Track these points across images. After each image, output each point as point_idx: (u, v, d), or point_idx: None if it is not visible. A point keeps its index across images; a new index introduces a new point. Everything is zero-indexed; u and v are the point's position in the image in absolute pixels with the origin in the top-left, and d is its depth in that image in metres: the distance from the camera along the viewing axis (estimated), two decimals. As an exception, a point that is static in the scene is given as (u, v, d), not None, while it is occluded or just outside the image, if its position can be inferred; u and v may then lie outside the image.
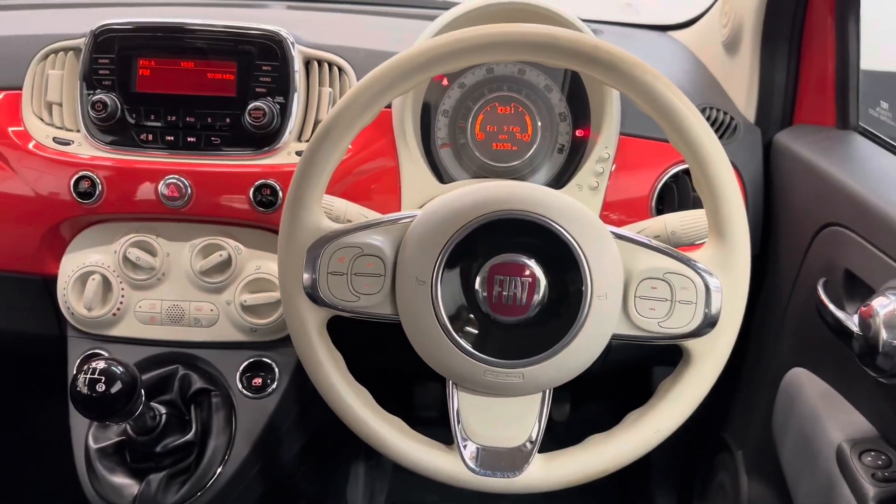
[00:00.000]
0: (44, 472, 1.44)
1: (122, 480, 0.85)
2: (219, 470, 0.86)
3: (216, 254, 0.90)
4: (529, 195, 0.67)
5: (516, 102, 0.96)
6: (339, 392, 0.71)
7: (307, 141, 0.91)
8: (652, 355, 1.05)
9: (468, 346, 0.66)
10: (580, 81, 0.96)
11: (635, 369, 1.36)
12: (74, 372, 0.90)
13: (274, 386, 0.91)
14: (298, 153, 0.90)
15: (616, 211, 0.94)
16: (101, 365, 0.73)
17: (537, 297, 0.65)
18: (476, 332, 0.66)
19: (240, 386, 0.90)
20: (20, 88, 0.92)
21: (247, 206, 0.89)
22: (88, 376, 0.72)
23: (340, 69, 0.92)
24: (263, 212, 0.89)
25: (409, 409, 1.50)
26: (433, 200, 0.71)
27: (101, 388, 0.72)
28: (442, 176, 0.95)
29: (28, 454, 1.50)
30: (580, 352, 0.67)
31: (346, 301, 0.69)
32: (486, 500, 1.43)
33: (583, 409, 1.49)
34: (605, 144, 0.90)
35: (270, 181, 0.88)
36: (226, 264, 0.90)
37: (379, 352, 0.99)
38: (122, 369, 0.74)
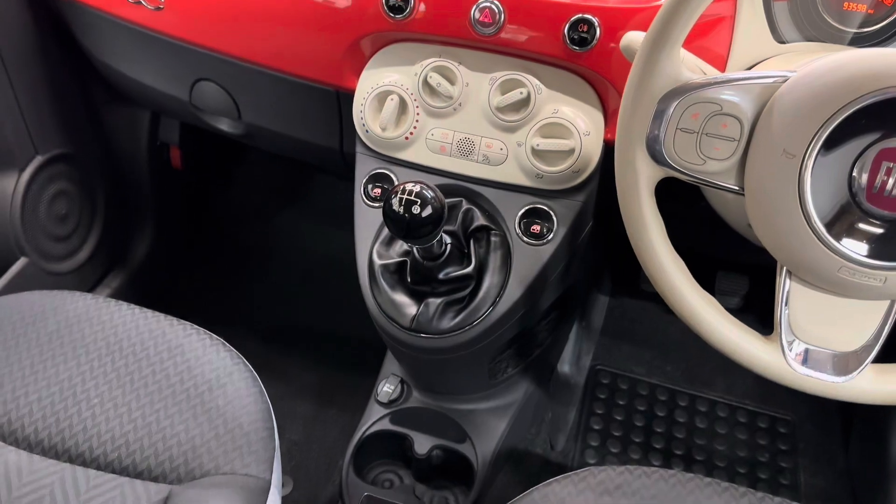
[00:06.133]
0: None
1: (401, 299, 0.88)
2: (491, 307, 0.87)
3: (516, 90, 0.85)
4: None
5: (884, -45, 0.80)
6: (660, 258, 0.66)
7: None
8: None
9: (829, 237, 0.59)
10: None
11: None
12: (370, 187, 0.93)
13: (550, 236, 0.88)
14: None
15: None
16: (416, 188, 0.73)
17: (931, 194, 0.56)
18: (842, 222, 0.58)
19: (518, 230, 0.89)
20: None
21: (558, 41, 0.82)
22: (405, 197, 0.73)
23: None
24: (575, 50, 0.82)
25: None
26: (812, 63, 0.61)
27: (415, 209, 0.72)
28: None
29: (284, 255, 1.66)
30: None
31: (690, 163, 0.63)
32: (698, 384, 1.42)
33: None
34: None
35: (590, 16, 0.80)
36: (523, 103, 0.86)
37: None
38: (432, 194, 0.74)
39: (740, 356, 0.66)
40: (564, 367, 1.39)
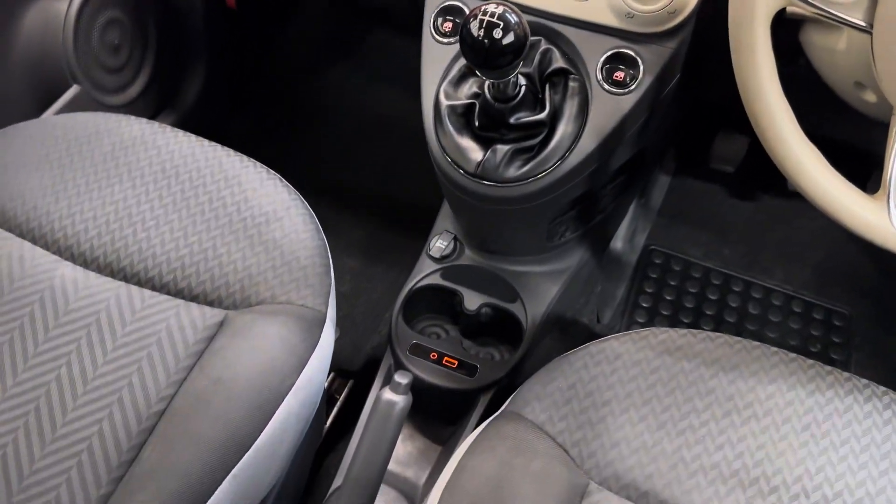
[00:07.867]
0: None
1: (467, 143, 0.83)
2: (561, 159, 0.82)
3: (612, -86, 0.77)
4: None
5: None
6: (767, 98, 0.60)
7: None
8: None
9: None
10: None
11: None
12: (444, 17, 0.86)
13: (634, 85, 0.81)
14: None
15: None
16: (499, 10, 0.67)
17: None
18: None
19: (599, 76, 0.82)
20: None
21: None
22: (487, 19, 0.66)
23: None
24: None
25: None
26: None
27: (496, 34, 0.66)
28: None
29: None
30: None
31: (819, -10, 0.56)
32: (755, 270, 1.38)
33: None
34: None
35: None
36: (619, -71, 0.77)
37: None
38: (516, 19, 0.67)
39: (840, 213, 0.61)
40: (618, 243, 1.35)
